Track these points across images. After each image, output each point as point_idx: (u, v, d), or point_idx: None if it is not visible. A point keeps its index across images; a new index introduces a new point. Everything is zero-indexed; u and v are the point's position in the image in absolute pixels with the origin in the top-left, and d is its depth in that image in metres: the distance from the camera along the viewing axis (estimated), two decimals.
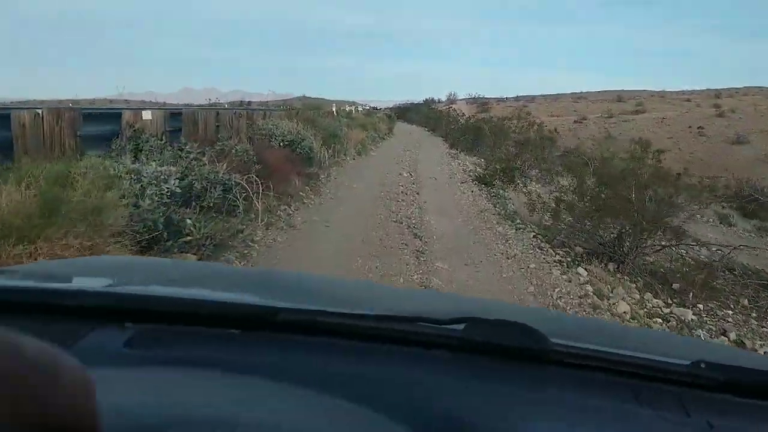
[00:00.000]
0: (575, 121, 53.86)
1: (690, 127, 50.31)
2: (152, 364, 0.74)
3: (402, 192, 11.25)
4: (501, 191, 12.39)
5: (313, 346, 0.82)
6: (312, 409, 0.65)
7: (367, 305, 1.04)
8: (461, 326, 0.79)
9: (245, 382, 0.70)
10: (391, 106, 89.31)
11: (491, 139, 19.79)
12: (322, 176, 11.38)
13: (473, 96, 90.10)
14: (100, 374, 0.54)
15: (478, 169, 15.23)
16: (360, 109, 43.05)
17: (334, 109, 26.72)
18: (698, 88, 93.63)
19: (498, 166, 12.90)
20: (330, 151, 13.67)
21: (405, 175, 14.17)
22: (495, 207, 10.48)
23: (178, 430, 0.53)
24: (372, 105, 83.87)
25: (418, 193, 11.53)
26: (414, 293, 2.69)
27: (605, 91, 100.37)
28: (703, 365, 0.76)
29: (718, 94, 79.59)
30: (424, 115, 51.67)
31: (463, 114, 36.62)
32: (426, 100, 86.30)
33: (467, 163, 19.20)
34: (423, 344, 0.82)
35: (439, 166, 17.64)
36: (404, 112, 66.46)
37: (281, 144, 10.61)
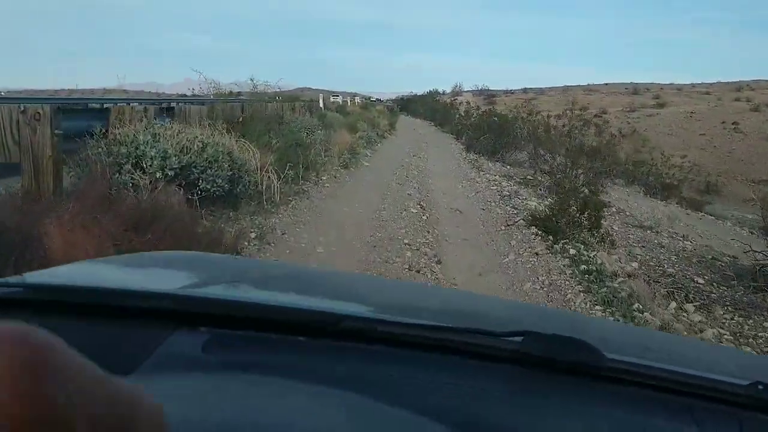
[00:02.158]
0: (595, 115, 47.98)
1: (723, 122, 44.33)
2: (227, 370, 0.75)
3: (410, 262, 5.64)
4: (583, 250, 6.68)
5: (372, 355, 0.81)
6: (369, 418, 0.65)
7: (422, 310, 1.11)
8: (519, 339, 0.77)
9: (309, 390, 0.70)
10: (394, 98, 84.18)
11: (533, 143, 14.05)
12: (254, 232, 5.68)
13: (479, 88, 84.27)
14: (183, 380, 0.67)
15: (531, 202, 9.52)
16: (358, 101, 37.32)
17: (321, 102, 21.11)
18: (707, 81, 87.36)
19: (573, 203, 7.17)
20: (291, 171, 7.99)
21: (413, 209, 8.49)
22: (606, 309, 4.83)
23: None
24: (376, 97, 78.80)
25: (439, 262, 5.92)
26: (464, 296, 2.42)
27: (615, 83, 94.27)
28: (760, 386, 0.71)
29: (739, 87, 73.60)
30: (430, 107, 45.77)
31: (478, 107, 30.83)
32: (430, 91, 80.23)
33: (497, 176, 13.53)
34: (477, 355, 0.80)
35: (460, 184, 11.98)
36: (408, 104, 60.82)
37: (161, 175, 4.93)
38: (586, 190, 7.11)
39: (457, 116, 32.52)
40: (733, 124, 43.64)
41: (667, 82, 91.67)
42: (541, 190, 12.02)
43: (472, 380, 0.75)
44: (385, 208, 8.24)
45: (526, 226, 7.72)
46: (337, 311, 0.87)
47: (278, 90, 12.50)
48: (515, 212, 8.84)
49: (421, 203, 9.01)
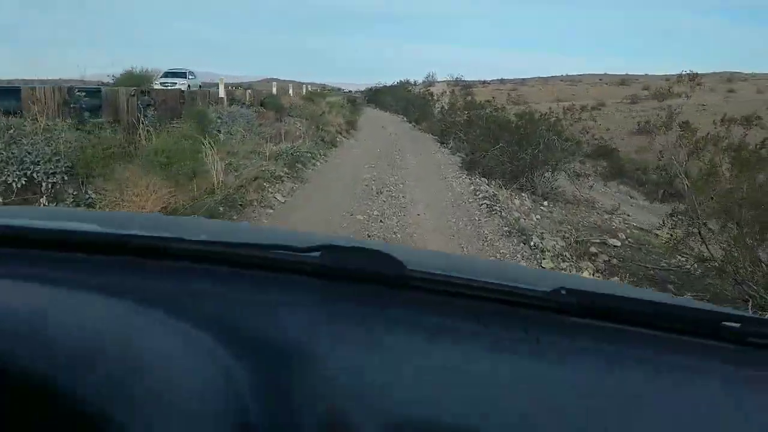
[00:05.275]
0: (592, 108, 40.16)
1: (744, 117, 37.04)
2: None
3: None
4: None
5: (167, 270, 0.74)
6: (152, 326, 0.61)
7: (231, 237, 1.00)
8: (318, 254, 0.74)
9: (85, 297, 0.65)
10: (363, 90, 75.92)
11: (694, 200, 5.89)
12: None
13: (454, 78, 76.04)
14: None
15: None
16: (305, 89, 28.78)
17: (221, 90, 12.67)
18: (680, 72, 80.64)
19: None
20: None
21: None
22: None
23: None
24: (347, 88, 70.71)
25: None
26: (287, 232, 2.25)
27: (589, 74, 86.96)
28: (563, 291, 0.73)
29: (730, 77, 67.10)
30: (402, 99, 37.41)
31: (465, 97, 22.58)
32: (401, 81, 71.64)
33: (592, 270, 5.29)
34: (280, 270, 0.75)
35: None
36: (377, 96, 52.14)
37: None
38: None
39: (439, 111, 24.33)
40: (757, 118, 36.21)
41: (641, 73, 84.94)
42: None
43: (270, 292, 0.72)
44: None
45: None
46: (129, 233, 0.78)
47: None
48: None
49: None
